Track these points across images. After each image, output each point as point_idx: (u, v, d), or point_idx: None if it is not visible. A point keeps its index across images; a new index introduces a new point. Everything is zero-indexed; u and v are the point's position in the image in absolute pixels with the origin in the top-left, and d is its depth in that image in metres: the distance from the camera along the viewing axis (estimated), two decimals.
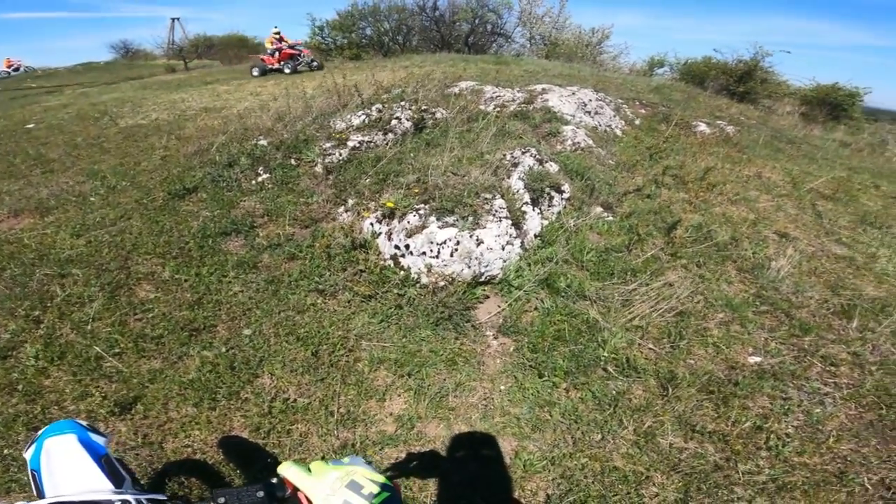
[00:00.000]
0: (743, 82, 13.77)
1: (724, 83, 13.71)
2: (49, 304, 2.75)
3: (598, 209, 3.86)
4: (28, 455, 0.93)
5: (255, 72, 13.28)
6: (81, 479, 0.89)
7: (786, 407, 2.43)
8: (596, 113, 6.01)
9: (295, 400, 2.30)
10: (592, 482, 2.04)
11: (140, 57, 27.44)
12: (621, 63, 16.75)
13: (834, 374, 2.69)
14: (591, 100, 6.23)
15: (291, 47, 13.74)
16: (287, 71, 13.20)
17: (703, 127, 6.85)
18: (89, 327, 2.60)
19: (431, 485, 2.00)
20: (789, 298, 3.29)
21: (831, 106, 13.92)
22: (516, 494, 2.02)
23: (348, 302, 2.89)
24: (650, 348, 2.75)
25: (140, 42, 29.88)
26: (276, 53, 13.68)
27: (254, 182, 3.96)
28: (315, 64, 13.71)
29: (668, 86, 10.48)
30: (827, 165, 6.91)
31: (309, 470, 0.75)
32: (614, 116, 6.32)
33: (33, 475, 0.91)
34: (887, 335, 2.99)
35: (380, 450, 2.12)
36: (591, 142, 4.96)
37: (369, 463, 0.83)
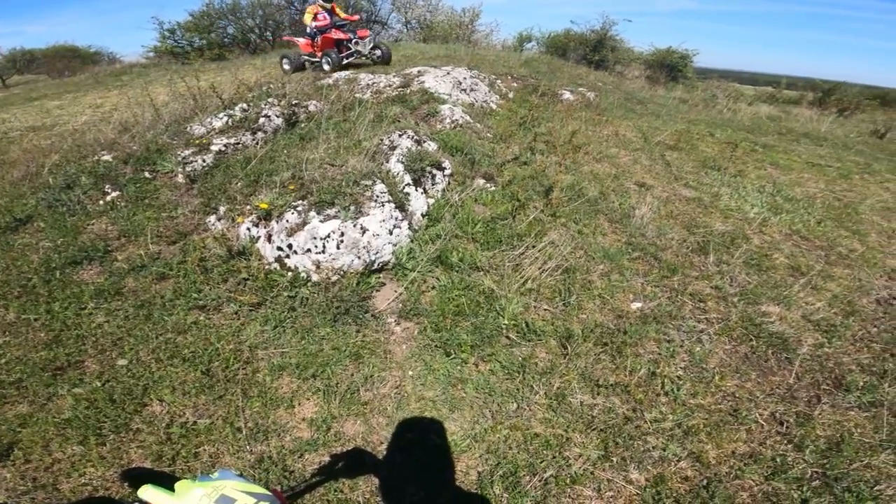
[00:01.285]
0: (597, 51, 15.27)
1: (582, 53, 15.12)
2: None
3: (481, 181, 3.99)
4: None
5: (287, 65, 8.77)
6: None
7: (671, 349, 2.62)
8: (472, 90, 6.18)
9: (195, 422, 2.14)
10: (518, 452, 2.10)
11: None
12: (494, 40, 17.41)
13: (704, 311, 2.97)
14: (465, 78, 6.39)
15: (341, 26, 8.34)
16: (327, 67, 7.97)
17: (567, 95, 7.39)
18: None
19: (362, 483, 1.95)
20: (655, 242, 3.66)
21: (669, 68, 15.89)
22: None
23: (235, 314, 2.70)
24: (545, 309, 2.89)
25: None
26: (318, 36, 8.27)
27: (101, 202, 3.47)
28: (379, 54, 8.39)
29: (536, 59, 11.15)
30: (670, 120, 7.84)
31: (173, 490, 0.69)
32: (489, 92, 6.55)
33: None
34: (740, 266, 3.42)
35: (299, 457, 2.04)
36: (468, 118, 5.09)
37: (241, 475, 0.79)
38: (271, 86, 5.42)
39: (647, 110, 8.36)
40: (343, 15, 8.73)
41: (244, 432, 2.11)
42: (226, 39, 16.71)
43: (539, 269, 3.09)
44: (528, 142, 4.98)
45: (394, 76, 6.08)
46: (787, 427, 2.27)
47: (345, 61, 8.16)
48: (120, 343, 2.50)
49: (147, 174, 3.68)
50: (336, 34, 8.13)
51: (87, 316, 2.65)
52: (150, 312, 2.68)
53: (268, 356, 2.48)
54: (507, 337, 2.66)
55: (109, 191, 3.53)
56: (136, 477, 1.93)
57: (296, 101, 4.76)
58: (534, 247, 3.29)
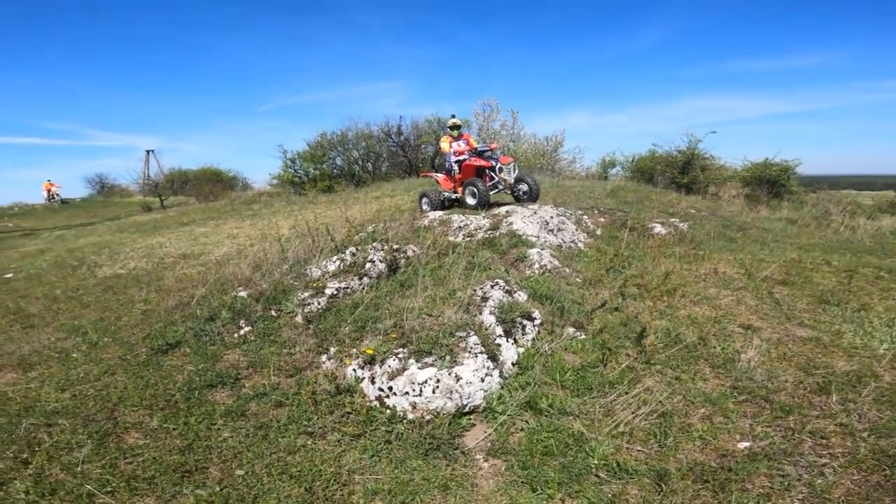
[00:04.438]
0: (686, 173, 14.58)
1: (670, 176, 14.59)
2: (37, 449, 2.81)
3: (570, 329, 4.04)
4: None
5: (427, 205, 7.92)
6: None
7: (786, 483, 2.45)
8: (559, 230, 6.47)
9: None
10: None
11: (116, 193, 28.11)
12: (577, 168, 18.04)
13: (826, 446, 2.74)
14: (552, 217, 6.73)
15: (480, 153, 7.32)
16: (472, 202, 7.07)
17: (658, 227, 7.40)
18: (79, 468, 2.65)
19: None
20: (765, 385, 3.40)
21: (770, 183, 14.68)
22: None
23: (338, 441, 2.95)
24: (638, 450, 2.81)
25: (115, 176, 30.63)
26: (457, 168, 7.55)
27: (236, 335, 4.05)
28: (526, 189, 7.26)
29: (622, 188, 11.42)
30: (778, 248, 7.35)
31: None
32: (576, 230, 6.80)
33: None
34: (870, 403, 3.09)
35: None
36: (556, 262, 5.31)
37: None
38: (376, 228, 6.12)
39: (749, 238, 7.97)
40: (475, 143, 7.74)
41: None
42: (335, 170, 18.70)
43: (632, 413, 3.04)
44: (618, 286, 5.01)
45: (483, 217, 6.56)
46: None
47: (492, 192, 7.13)
48: (240, 456, 2.83)
49: (273, 312, 4.26)
50: (477, 162, 7.10)
51: (216, 430, 3.04)
52: (267, 433, 3.03)
53: (363, 481, 2.66)
54: (597, 475, 2.61)
55: (243, 325, 4.12)
56: None
57: (396, 246, 5.32)
58: (626, 393, 3.25)
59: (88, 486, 2.50)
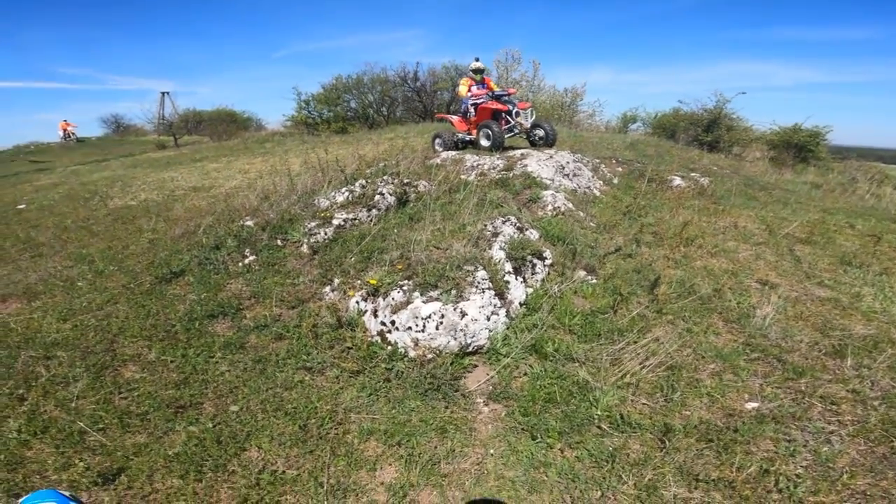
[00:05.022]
0: (710, 131, 14.23)
1: (693, 134, 14.24)
2: (34, 384, 2.82)
3: (581, 273, 3.93)
4: None
5: (439, 146, 7.88)
6: None
7: (791, 448, 2.40)
8: (574, 175, 6.24)
9: (283, 472, 2.30)
10: None
11: (131, 132, 28.02)
12: (597, 121, 17.49)
13: (836, 413, 2.67)
14: (568, 162, 6.49)
15: (498, 97, 7.19)
16: (486, 143, 6.95)
17: (677, 181, 7.12)
18: (73, 405, 2.65)
19: None
20: (779, 344, 3.31)
21: (797, 148, 14.33)
22: None
23: (336, 378, 2.92)
24: (643, 403, 2.76)
25: (131, 117, 30.48)
26: (473, 110, 7.46)
27: (240, 264, 4.00)
28: (542, 134, 7.16)
29: (642, 141, 11.01)
30: (801, 209, 7.11)
31: None
32: (592, 177, 6.56)
33: None
34: (884, 370, 2.99)
35: None
36: (570, 205, 5.12)
37: None
38: (387, 163, 5.97)
39: (772, 198, 7.68)
40: (495, 86, 7.59)
41: (325, 487, 2.23)
42: (349, 113, 18.69)
43: (640, 364, 2.96)
44: (633, 232, 4.84)
45: (497, 158, 6.37)
46: None
47: (507, 136, 7.04)
48: (236, 391, 2.81)
49: (279, 242, 4.19)
50: (494, 105, 7.05)
51: (214, 364, 3.02)
52: (265, 367, 3.00)
53: (359, 420, 2.64)
54: (599, 427, 2.58)
55: (248, 254, 4.06)
56: None
57: (407, 181, 5.18)
58: (635, 342, 3.17)
59: (80, 424, 2.49)
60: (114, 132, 28.79)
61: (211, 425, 2.53)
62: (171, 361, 3.01)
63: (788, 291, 4.15)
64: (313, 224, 4.26)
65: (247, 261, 4.02)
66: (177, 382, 2.85)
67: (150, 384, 2.83)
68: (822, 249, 5.34)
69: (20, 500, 1.00)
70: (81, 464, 2.27)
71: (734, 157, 13.04)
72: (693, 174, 7.70)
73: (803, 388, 2.86)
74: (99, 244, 5.26)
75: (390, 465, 2.38)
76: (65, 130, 24.06)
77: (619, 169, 7.56)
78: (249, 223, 4.44)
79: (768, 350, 3.23)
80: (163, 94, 25.60)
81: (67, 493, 1.03)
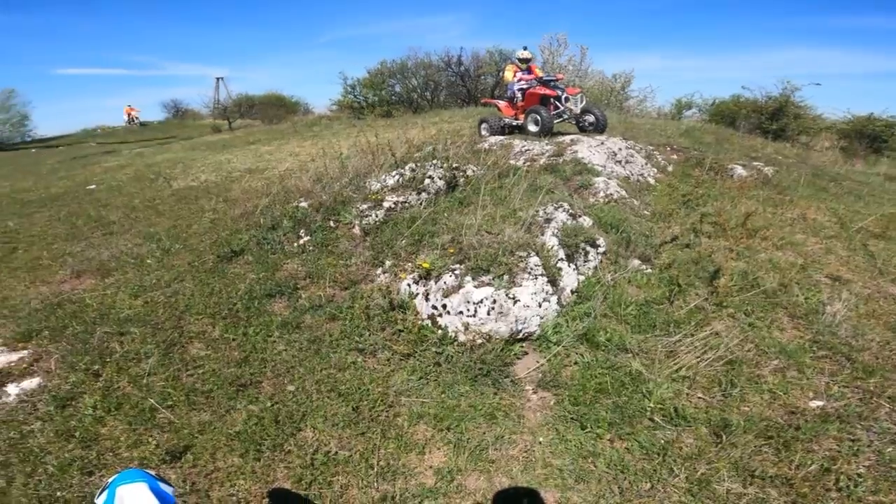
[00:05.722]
0: (775, 119, 13.42)
1: (755, 122, 13.45)
2: (108, 360, 2.94)
3: (636, 262, 3.82)
4: (100, 501, 0.97)
5: (486, 130, 7.80)
6: None
7: (854, 448, 2.30)
8: (627, 162, 6.03)
9: (336, 453, 2.36)
10: None
11: (189, 116, 29.40)
12: (648, 107, 16.79)
13: None
14: (620, 148, 6.28)
15: (546, 82, 7.09)
16: (534, 129, 6.79)
17: (739, 170, 6.74)
18: (145, 381, 2.77)
19: None
20: (849, 342, 3.14)
21: (870, 138, 13.35)
22: None
23: (387, 360, 2.97)
24: (699, 397, 2.69)
25: (188, 101, 31.98)
26: (520, 95, 7.35)
27: (296, 245, 4.13)
28: (592, 120, 7.02)
29: (698, 128, 10.44)
30: (874, 202, 6.61)
31: None
32: (646, 164, 6.32)
33: None
34: None
35: (419, 503, 2.14)
36: (623, 192, 4.96)
37: None
38: (435, 148, 5.96)
39: (843, 189, 7.16)
40: (539, 72, 7.51)
41: (375, 469, 2.27)
42: (393, 97, 18.80)
43: (697, 358, 2.87)
44: (691, 222, 4.64)
45: (546, 144, 6.24)
46: None
47: (556, 121, 6.91)
48: (292, 371, 2.89)
49: (332, 223, 4.30)
50: (542, 90, 6.93)
51: (272, 343, 3.11)
52: (320, 348, 3.07)
53: (409, 403, 2.68)
54: (651, 419, 2.52)
55: (303, 235, 4.19)
56: (280, 497, 2.15)
57: (456, 165, 5.16)
58: (692, 335, 3.07)
59: (151, 401, 2.59)
60: (173, 116, 30.27)
61: (269, 404, 2.61)
62: (233, 339, 3.12)
63: (861, 288, 3.90)
64: (365, 206, 4.34)
65: (302, 241, 4.15)
66: (238, 361, 2.95)
67: (213, 362, 2.94)
68: None
69: (109, 480, 1.00)
70: (152, 441, 2.37)
71: (801, 147, 12.19)
72: (756, 163, 7.26)
73: (872, 388, 2.73)
74: (165, 223, 5.55)
75: (439, 449, 2.41)
76: (129, 115, 25.55)
77: (675, 156, 7.22)
78: (304, 204, 4.57)
79: (837, 348, 3.07)
80: (217, 79, 26.59)
81: (153, 473, 1.04)
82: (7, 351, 3.07)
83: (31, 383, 2.80)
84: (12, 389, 2.75)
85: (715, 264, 3.90)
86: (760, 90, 14.20)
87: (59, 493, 2.11)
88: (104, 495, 0.97)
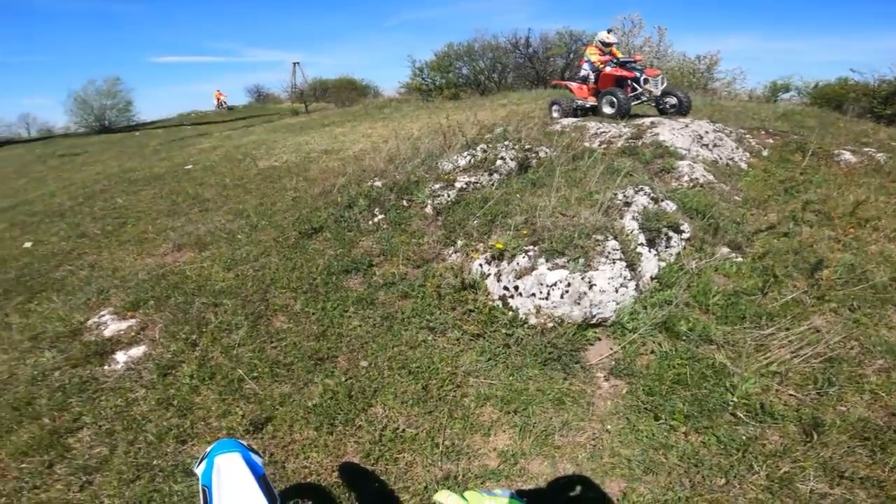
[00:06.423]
0: (889, 104, 12.01)
1: (866, 106, 12.12)
2: (204, 330, 3.13)
3: (724, 249, 3.56)
4: (199, 471, 1.03)
5: (556, 112, 7.67)
6: (245, 498, 0.98)
7: None
8: (714, 145, 5.59)
9: (404, 430, 2.40)
10: None
11: (270, 100, 31.10)
12: (738, 89, 15.42)
13: None
14: (707, 131, 5.82)
15: (622, 64, 6.87)
16: (609, 111, 6.63)
17: (847, 155, 6.02)
18: (235, 352, 2.94)
19: None
20: None
21: None
22: None
23: (457, 340, 2.99)
24: (790, 394, 2.52)
25: (269, 86, 33.79)
26: (594, 77, 7.18)
27: (371, 223, 4.27)
28: (675, 102, 6.66)
29: (798, 112, 9.41)
30: None
31: (465, 499, 0.79)
32: (736, 148, 5.82)
33: (204, 491, 0.99)
34: None
35: (481, 483, 2.15)
36: (711, 177, 4.62)
37: (516, 496, 0.84)
38: (506, 129, 5.87)
39: None
40: (619, 53, 7.26)
41: (441, 449, 2.29)
42: (460, 80, 18.74)
43: (791, 353, 2.68)
44: (790, 209, 4.24)
45: (624, 126, 5.93)
46: None
47: (633, 103, 6.66)
48: (365, 347, 2.98)
49: (405, 202, 4.39)
50: (619, 71, 6.71)
51: (348, 318, 3.23)
52: (392, 325, 3.15)
53: (477, 384, 2.67)
54: (733, 414, 2.39)
55: (377, 213, 4.32)
56: (351, 471, 2.21)
57: (528, 146, 5.06)
58: (787, 329, 2.86)
59: (240, 371, 2.72)
60: (256, 101, 32.19)
61: (344, 379, 2.69)
62: (313, 314, 3.26)
63: None
64: (437, 186, 4.38)
65: (376, 219, 4.28)
66: (317, 335, 3.07)
67: (295, 335, 3.07)
68: None
69: (208, 450, 1.04)
70: (239, 411, 2.49)
71: None
72: (867, 149, 6.45)
73: None
74: (252, 201, 5.92)
75: (504, 431, 2.40)
76: (218, 99, 27.48)
77: (770, 140, 6.58)
78: (378, 184, 4.70)
79: None
80: (294, 64, 27.86)
81: (245, 444, 1.09)
82: (117, 319, 3.36)
83: (137, 351, 3.00)
84: (121, 357, 2.96)
85: (817, 255, 3.56)
86: (872, 73, 12.90)
87: (155, 462, 2.24)
88: (203, 464, 1.03)
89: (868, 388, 2.51)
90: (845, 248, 3.76)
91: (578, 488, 2.15)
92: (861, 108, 12.02)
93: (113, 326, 3.26)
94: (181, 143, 13.69)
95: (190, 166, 8.97)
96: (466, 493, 0.81)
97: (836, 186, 4.92)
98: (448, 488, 0.81)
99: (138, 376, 2.81)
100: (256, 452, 1.10)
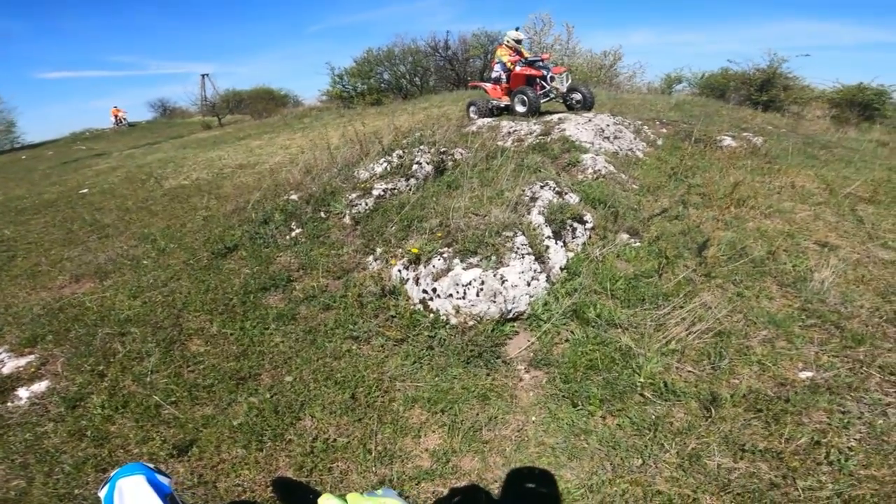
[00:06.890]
0: (765, 91, 13.47)
1: (745, 94, 13.57)
2: (112, 360, 2.99)
3: (624, 236, 3.85)
4: (102, 494, 1.02)
5: (474, 113, 7.98)
6: None
7: (845, 420, 2.31)
8: (615, 137, 6.03)
9: (335, 439, 2.41)
10: None
11: (177, 115, 29.12)
12: (638, 83, 16.71)
13: (895, 383, 2.54)
14: (608, 124, 6.27)
15: (531, 63, 7.14)
16: (521, 109, 6.91)
17: (728, 140, 6.74)
18: (148, 379, 2.82)
19: None
20: (837, 310, 3.15)
21: (862, 106, 13.43)
22: None
23: (381, 346, 3.01)
24: (689, 371, 2.70)
25: (175, 100, 31.70)
26: (506, 77, 7.48)
27: (288, 237, 4.16)
28: (580, 98, 7.05)
29: (688, 102, 10.41)
30: (865, 167, 6.62)
31: (346, 502, 0.82)
32: (634, 139, 6.32)
33: None
34: None
35: (416, 484, 2.18)
36: (612, 168, 4.98)
37: (400, 495, 0.89)
38: (422, 133, 5.96)
39: (834, 156, 7.16)
40: (527, 53, 7.51)
41: (373, 454, 2.31)
42: (382, 85, 18.82)
43: (686, 330, 2.87)
44: (679, 194, 4.67)
45: (534, 123, 6.23)
46: None
47: (543, 101, 7.01)
48: (289, 362, 2.93)
49: (322, 214, 4.33)
50: (528, 71, 7.01)
51: (269, 335, 3.16)
52: (315, 338, 3.11)
53: (404, 388, 2.71)
54: (642, 395, 2.54)
55: (294, 227, 4.23)
56: (283, 485, 2.18)
57: (444, 149, 5.17)
58: (681, 307, 3.08)
59: (156, 398, 2.65)
60: (161, 115, 29.99)
61: (269, 396, 2.65)
62: (231, 334, 3.16)
63: (849, 253, 3.93)
64: (354, 195, 4.36)
65: (294, 234, 4.18)
66: (237, 354, 2.99)
67: (213, 357, 2.98)
68: (887, 209, 4.98)
69: (110, 476, 1.04)
70: (158, 437, 2.44)
71: (792, 116, 12.18)
72: (745, 134, 7.26)
73: (861, 357, 2.72)
74: (159, 223, 5.56)
75: (434, 431, 2.44)
76: (116, 116, 25.31)
77: (664, 130, 7.22)
78: (294, 197, 4.60)
79: (826, 316, 3.07)
80: (203, 76, 26.37)
81: (152, 466, 1.08)
82: (14, 356, 3.14)
83: (40, 386, 2.87)
84: (23, 393, 2.83)
85: (703, 235, 3.93)
86: (748, 62, 14.33)
87: (76, 491, 2.19)
88: (105, 489, 1.02)
89: (755, 360, 2.72)
90: (727, 226, 4.19)
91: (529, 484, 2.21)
92: (741, 97, 13.48)
93: (11, 364, 3.09)
94: (75, 164, 12.51)
95: (85, 190, 8.24)
96: (348, 496, 0.83)
97: (719, 170, 5.50)
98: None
99: (44, 410, 2.71)
100: (164, 473, 1.10)
